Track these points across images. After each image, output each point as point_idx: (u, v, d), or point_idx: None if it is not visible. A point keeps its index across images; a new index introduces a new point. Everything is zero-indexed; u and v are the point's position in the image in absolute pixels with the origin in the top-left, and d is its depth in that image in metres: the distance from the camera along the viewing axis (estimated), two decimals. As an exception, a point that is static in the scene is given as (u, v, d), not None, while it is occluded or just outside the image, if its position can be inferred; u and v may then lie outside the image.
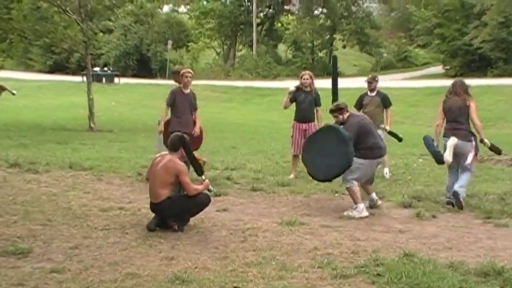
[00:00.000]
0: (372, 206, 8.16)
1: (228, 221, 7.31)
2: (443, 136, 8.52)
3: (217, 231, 6.85)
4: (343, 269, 5.46)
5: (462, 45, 36.96)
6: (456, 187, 8.19)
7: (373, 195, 8.25)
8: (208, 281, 5.08)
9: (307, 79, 10.55)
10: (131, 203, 8.16)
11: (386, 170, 10.74)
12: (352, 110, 11.16)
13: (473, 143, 8.34)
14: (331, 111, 8.28)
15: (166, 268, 5.45)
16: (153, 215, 6.94)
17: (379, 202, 8.25)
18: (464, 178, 8.33)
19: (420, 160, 12.88)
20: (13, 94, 8.97)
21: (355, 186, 7.84)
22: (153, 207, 6.93)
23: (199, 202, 6.96)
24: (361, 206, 7.78)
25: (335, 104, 8.40)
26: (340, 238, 6.60)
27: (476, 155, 8.53)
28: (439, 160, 8.49)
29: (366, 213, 7.75)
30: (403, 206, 8.32)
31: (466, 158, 8.26)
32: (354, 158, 7.71)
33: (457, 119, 8.39)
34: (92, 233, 6.57)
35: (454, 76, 35.13)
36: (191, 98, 9.76)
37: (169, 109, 9.69)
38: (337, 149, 7.64)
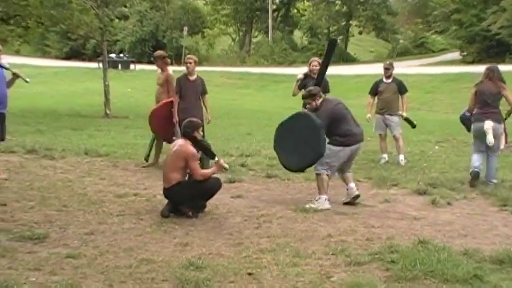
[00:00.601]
0: (351, 196, 7.67)
1: (243, 207, 7.33)
2: (475, 121, 8.87)
3: (232, 217, 6.87)
4: (357, 256, 5.46)
5: (480, 31, 36.55)
6: (492, 180, 8.79)
7: (352, 184, 7.77)
8: (222, 267, 5.10)
9: (316, 66, 10.48)
10: (146, 189, 8.20)
11: (401, 156, 10.69)
12: (368, 97, 11.16)
13: (504, 125, 8.83)
14: (304, 97, 8.06)
15: (180, 254, 5.48)
16: (167, 201, 6.98)
17: (357, 192, 7.70)
18: (493, 166, 8.89)
19: (436, 147, 12.81)
20: (26, 82, 8.99)
21: (324, 175, 7.47)
22: (165, 192, 6.97)
23: (210, 187, 6.97)
24: (324, 197, 7.42)
25: (307, 89, 8.01)
26: (354, 225, 6.59)
27: (506, 137, 9.10)
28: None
29: (327, 205, 7.35)
30: (418, 193, 8.28)
31: (499, 141, 8.83)
32: (327, 145, 7.39)
33: (490, 103, 8.77)
34: (107, 219, 6.61)
35: (472, 62, 34.86)
36: (198, 85, 9.75)
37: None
38: (309, 138, 7.29)
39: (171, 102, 9.67)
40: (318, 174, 7.56)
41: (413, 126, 11.07)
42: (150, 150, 10.09)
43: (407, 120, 10.88)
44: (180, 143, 7.04)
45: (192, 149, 6.95)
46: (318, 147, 7.27)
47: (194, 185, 6.92)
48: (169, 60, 10.24)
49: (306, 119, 7.53)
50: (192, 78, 9.69)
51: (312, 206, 7.35)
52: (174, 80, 9.84)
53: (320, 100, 7.72)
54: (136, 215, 6.84)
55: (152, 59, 10.93)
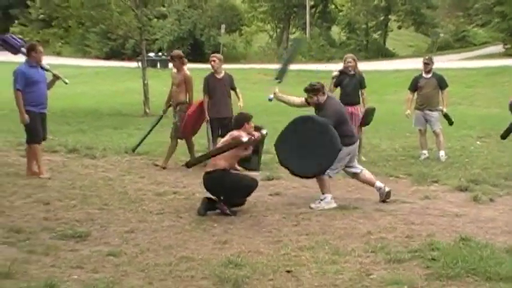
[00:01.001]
0: (383, 195, 7.51)
1: (281, 205, 7.33)
2: None
3: (270, 215, 6.87)
4: (397, 253, 5.41)
5: (523, 22, 35.81)
6: None
7: (377, 184, 7.60)
8: (261, 265, 5.11)
9: (351, 62, 10.43)
10: (185, 188, 8.26)
11: (442, 152, 10.55)
12: (406, 92, 11.04)
13: None
14: (306, 90, 7.77)
15: (219, 252, 5.51)
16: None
17: (387, 189, 7.55)
18: None
19: (478, 142, 12.59)
20: (66, 83, 9.18)
21: (326, 176, 7.35)
22: (205, 177, 7.00)
23: (247, 184, 7.05)
24: (329, 196, 7.31)
25: (310, 84, 7.81)
26: (394, 222, 6.53)
27: None
28: None
29: (333, 204, 7.23)
30: (460, 190, 8.16)
31: None
32: None
33: None
34: (147, 217, 6.69)
35: (514, 55, 34.15)
36: (225, 82, 9.85)
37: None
38: (319, 140, 7.03)
39: (202, 102, 9.77)
40: (319, 177, 7.38)
41: (451, 123, 10.92)
42: (141, 142, 10.37)
43: (445, 116, 10.73)
44: (234, 133, 7.09)
45: (243, 134, 6.99)
46: (332, 146, 7.03)
47: (235, 178, 6.98)
48: (186, 60, 10.20)
49: (312, 121, 7.30)
50: (219, 76, 9.80)
51: (318, 205, 7.24)
52: (192, 80, 9.86)
53: (324, 97, 7.59)
54: (175, 213, 6.90)
55: (169, 58, 10.90)
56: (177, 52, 10.39)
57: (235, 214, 6.84)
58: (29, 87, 8.56)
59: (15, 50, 9.16)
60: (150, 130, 10.30)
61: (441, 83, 10.70)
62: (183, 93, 9.85)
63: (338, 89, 10.54)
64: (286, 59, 8.33)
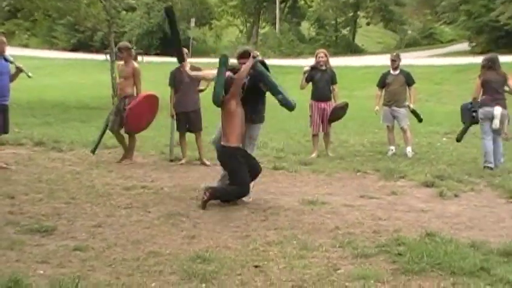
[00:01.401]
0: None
1: (250, 199, 7.32)
2: (484, 106, 9.42)
3: (239, 210, 6.87)
4: (364, 248, 5.45)
5: (489, 21, 36.30)
6: (500, 160, 9.51)
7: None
8: (229, 260, 5.11)
9: (323, 57, 10.50)
10: (153, 182, 8.22)
11: (409, 148, 10.67)
12: (376, 89, 11.15)
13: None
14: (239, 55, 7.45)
15: (188, 247, 5.50)
16: (175, 194, 6.98)
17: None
18: (499, 148, 9.54)
19: (444, 139, 12.78)
20: (29, 76, 9.03)
21: None
22: (221, 149, 7.25)
23: (255, 165, 7.36)
24: None
25: (244, 47, 7.79)
26: (361, 217, 6.58)
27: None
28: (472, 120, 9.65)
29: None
30: (426, 185, 8.27)
31: (504, 125, 9.45)
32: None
33: (499, 90, 9.45)
34: (115, 212, 6.64)
35: (481, 53, 34.62)
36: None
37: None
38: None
39: (149, 96, 9.61)
40: None
41: (420, 120, 11.06)
42: (99, 143, 9.89)
43: (414, 112, 10.86)
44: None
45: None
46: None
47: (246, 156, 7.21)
48: (133, 52, 9.99)
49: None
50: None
51: None
52: (140, 73, 9.69)
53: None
54: (143, 207, 6.86)
55: (116, 49, 10.49)
56: (125, 44, 10.17)
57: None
58: None
59: None
60: (105, 128, 9.96)
61: (408, 80, 10.81)
62: (131, 86, 9.63)
63: (310, 85, 10.60)
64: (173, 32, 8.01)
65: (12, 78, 8.94)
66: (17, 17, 20.30)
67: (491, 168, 9.28)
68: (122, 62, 9.92)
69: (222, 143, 7.18)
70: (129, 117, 9.38)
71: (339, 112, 10.55)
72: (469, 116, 9.72)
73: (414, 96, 10.99)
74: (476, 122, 9.72)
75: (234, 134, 7.07)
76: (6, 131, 9.01)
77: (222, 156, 7.26)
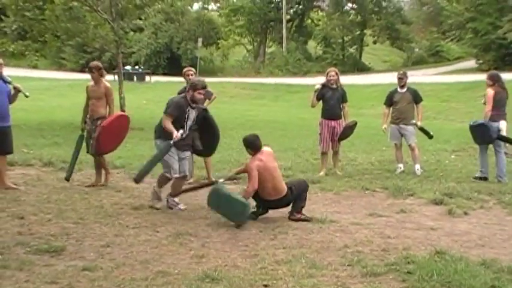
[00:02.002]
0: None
1: (258, 219, 7.32)
2: (493, 120, 9.81)
3: (247, 229, 6.86)
4: (373, 266, 5.44)
5: (496, 39, 36.34)
6: (503, 177, 9.88)
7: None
8: (238, 279, 5.10)
9: (334, 76, 10.53)
10: (162, 202, 8.21)
11: (417, 166, 10.65)
12: (383, 107, 11.15)
13: None
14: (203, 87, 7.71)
15: (196, 266, 5.49)
16: (183, 213, 6.98)
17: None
18: (501, 162, 10.00)
19: (452, 156, 12.74)
20: (26, 96, 9.03)
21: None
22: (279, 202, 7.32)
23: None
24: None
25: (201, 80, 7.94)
26: (370, 236, 6.56)
27: None
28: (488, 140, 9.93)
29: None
30: (435, 203, 8.24)
31: None
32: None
33: (504, 106, 9.97)
34: (123, 231, 6.64)
35: (488, 70, 34.62)
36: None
37: None
38: None
39: (121, 116, 9.35)
40: None
41: (430, 137, 11.03)
42: (72, 169, 9.44)
43: (422, 130, 10.84)
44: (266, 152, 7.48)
45: None
46: None
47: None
48: (104, 72, 9.76)
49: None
50: None
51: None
52: (112, 92, 9.41)
53: None
54: (152, 227, 6.86)
55: (87, 69, 9.97)
56: (95, 63, 9.70)
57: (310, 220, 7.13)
58: None
59: None
60: (77, 153, 9.50)
61: (416, 97, 10.81)
62: (104, 106, 9.26)
63: (320, 103, 10.61)
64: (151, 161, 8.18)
65: (12, 99, 8.95)
66: (26, 39, 20.41)
67: (480, 178, 10.00)
68: (91, 83, 9.38)
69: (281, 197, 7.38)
70: (101, 136, 9.01)
71: (348, 131, 10.58)
72: (488, 136, 9.89)
73: (422, 114, 10.99)
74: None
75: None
76: (9, 152, 9.04)
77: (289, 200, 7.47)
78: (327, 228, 6.85)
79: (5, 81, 8.84)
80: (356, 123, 10.67)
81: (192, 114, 7.70)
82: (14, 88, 8.90)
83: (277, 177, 7.34)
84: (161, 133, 7.77)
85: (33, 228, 6.65)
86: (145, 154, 12.48)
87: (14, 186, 8.82)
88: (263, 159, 7.31)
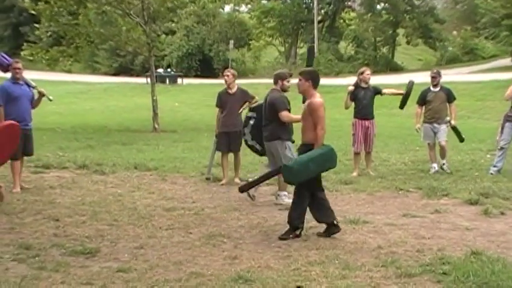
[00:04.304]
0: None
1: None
2: None
3: (280, 230, 6.84)
4: (407, 267, 5.38)
5: (532, 36, 35.73)
6: None
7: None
8: (271, 280, 5.09)
9: (369, 74, 10.50)
10: (195, 203, 8.26)
11: (444, 161, 10.71)
12: (416, 107, 11.03)
13: None
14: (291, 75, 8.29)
15: (229, 267, 5.50)
16: (215, 214, 6.99)
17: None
18: None
19: (488, 156, 12.53)
20: (50, 100, 9.15)
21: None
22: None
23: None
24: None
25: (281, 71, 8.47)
26: (404, 236, 6.50)
27: None
28: None
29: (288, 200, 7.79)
30: (470, 203, 8.13)
31: None
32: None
33: None
34: (156, 233, 6.68)
35: (524, 68, 34.03)
36: (239, 97, 9.82)
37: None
38: None
39: (11, 125, 8.18)
40: None
41: (461, 139, 10.93)
42: None
43: (455, 130, 10.71)
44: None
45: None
46: None
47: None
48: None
49: None
50: (232, 91, 9.82)
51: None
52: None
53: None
54: (185, 228, 6.89)
55: None
56: None
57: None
58: (10, 103, 8.60)
59: (3, 68, 9.14)
60: None
61: (449, 96, 10.69)
62: None
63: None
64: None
65: (36, 103, 9.08)
66: (60, 44, 20.68)
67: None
68: None
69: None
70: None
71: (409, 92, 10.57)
72: None
73: (455, 113, 10.87)
74: None
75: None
76: (29, 154, 9.20)
77: None
78: (360, 229, 6.80)
79: (29, 86, 8.99)
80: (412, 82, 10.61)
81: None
82: (39, 92, 9.05)
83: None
84: (280, 132, 7.98)
85: (68, 230, 6.73)
86: (178, 156, 12.59)
87: (26, 186, 8.96)
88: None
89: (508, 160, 10.63)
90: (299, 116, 7.13)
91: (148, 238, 6.47)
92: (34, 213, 7.49)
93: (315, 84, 6.78)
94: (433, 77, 10.76)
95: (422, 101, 10.80)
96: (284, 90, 8.11)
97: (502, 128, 10.49)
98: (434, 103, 10.62)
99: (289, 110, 7.98)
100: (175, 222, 7.17)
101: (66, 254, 5.85)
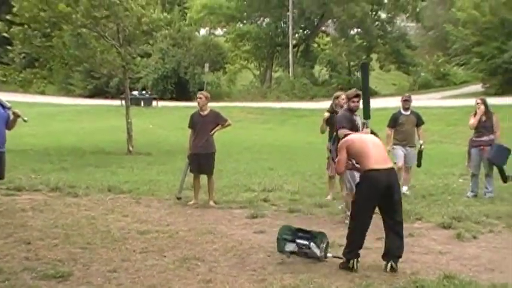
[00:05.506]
0: None
1: (266, 243, 7.29)
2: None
3: (255, 253, 6.84)
4: (382, 291, 5.39)
5: (502, 63, 36.36)
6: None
7: None
8: (245, 304, 5.07)
9: (344, 99, 10.57)
10: (169, 226, 8.21)
11: (405, 187, 10.69)
12: (387, 129, 11.17)
13: None
14: (352, 96, 8.43)
15: (203, 291, 5.46)
16: (189, 238, 6.95)
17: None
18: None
19: (460, 180, 12.68)
20: (25, 121, 9.08)
21: None
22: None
23: None
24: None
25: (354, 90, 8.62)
26: (378, 260, 6.51)
27: None
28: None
29: None
30: (443, 227, 8.20)
31: None
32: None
33: None
34: (130, 256, 6.63)
35: (495, 94, 34.63)
36: (211, 119, 9.95)
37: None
38: None
39: None
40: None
41: (419, 165, 11.13)
42: None
43: (420, 154, 10.96)
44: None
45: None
46: None
47: None
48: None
49: None
50: (204, 113, 9.89)
51: None
52: None
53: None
54: (159, 251, 6.84)
55: None
56: None
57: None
58: None
59: None
60: None
61: (419, 120, 11.05)
62: None
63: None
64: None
65: (11, 124, 8.94)
66: (34, 66, 20.51)
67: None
68: None
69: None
70: None
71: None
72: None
73: (424, 136, 11.18)
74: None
75: None
76: (1, 177, 9.03)
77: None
78: (334, 253, 6.81)
79: (4, 107, 8.88)
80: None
81: (358, 121, 8.33)
82: (13, 113, 8.94)
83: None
84: None
85: (40, 254, 6.64)
86: (153, 178, 12.52)
87: None
88: None
89: (480, 186, 10.78)
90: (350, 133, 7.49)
91: (122, 261, 6.41)
92: (5, 236, 7.37)
93: None
94: (406, 100, 11.03)
95: (394, 123, 11.01)
96: (351, 110, 8.38)
97: (469, 154, 10.78)
98: (407, 126, 10.88)
99: (346, 128, 8.04)
100: (149, 245, 7.11)
101: (38, 278, 5.77)
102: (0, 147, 8.77)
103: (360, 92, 8.39)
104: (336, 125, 8.38)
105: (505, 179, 10.43)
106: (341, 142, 6.83)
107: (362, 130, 8.03)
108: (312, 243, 6.58)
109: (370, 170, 6.22)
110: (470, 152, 10.85)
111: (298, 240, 6.61)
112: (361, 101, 8.29)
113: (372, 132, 7.63)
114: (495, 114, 10.85)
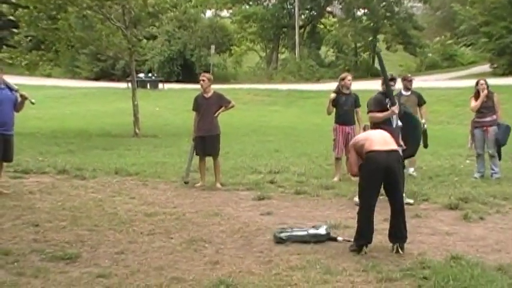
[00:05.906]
0: None
1: (272, 224, 7.31)
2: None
3: (262, 235, 6.85)
4: (388, 272, 5.41)
5: (510, 43, 36.08)
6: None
7: None
8: (252, 285, 5.10)
9: (350, 80, 10.58)
10: (176, 208, 8.23)
11: (412, 169, 10.65)
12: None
13: None
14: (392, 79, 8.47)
15: (210, 272, 5.49)
16: (197, 219, 6.97)
17: None
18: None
19: (467, 161, 12.64)
20: (32, 103, 9.11)
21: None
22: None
23: None
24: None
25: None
26: (385, 241, 6.51)
27: None
28: None
29: None
30: (450, 208, 8.19)
31: None
32: None
33: None
34: (137, 238, 6.65)
35: (502, 75, 34.42)
36: (214, 101, 9.93)
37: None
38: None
39: None
40: None
41: (426, 145, 11.04)
42: None
43: (424, 134, 10.84)
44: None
45: None
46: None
47: None
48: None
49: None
50: (207, 95, 9.87)
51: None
52: None
53: None
54: (166, 233, 6.87)
55: None
56: None
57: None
58: None
59: None
60: None
61: (420, 100, 10.98)
62: None
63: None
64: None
65: (19, 106, 8.99)
66: (40, 49, 20.50)
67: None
68: None
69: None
70: None
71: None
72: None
73: (426, 116, 11.05)
74: None
75: None
76: (9, 159, 9.10)
77: None
78: (341, 234, 6.81)
79: (11, 90, 8.89)
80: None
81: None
82: (21, 96, 8.96)
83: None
84: None
85: (48, 236, 6.68)
86: (159, 161, 12.54)
87: (5, 191, 8.89)
88: None
89: (486, 166, 10.74)
90: (384, 114, 7.94)
91: (129, 243, 6.44)
92: (13, 219, 7.42)
93: None
94: (409, 81, 10.96)
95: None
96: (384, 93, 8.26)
97: (472, 135, 10.79)
98: (408, 106, 10.77)
99: (379, 111, 8.09)
100: (156, 227, 7.14)
101: (46, 260, 5.80)
102: (9, 130, 8.80)
103: (396, 76, 8.63)
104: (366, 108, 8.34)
105: (500, 157, 10.57)
106: (349, 145, 6.86)
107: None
108: (310, 230, 6.61)
109: (370, 151, 6.23)
110: (473, 133, 10.80)
111: (295, 233, 6.63)
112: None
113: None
114: (495, 94, 10.87)
